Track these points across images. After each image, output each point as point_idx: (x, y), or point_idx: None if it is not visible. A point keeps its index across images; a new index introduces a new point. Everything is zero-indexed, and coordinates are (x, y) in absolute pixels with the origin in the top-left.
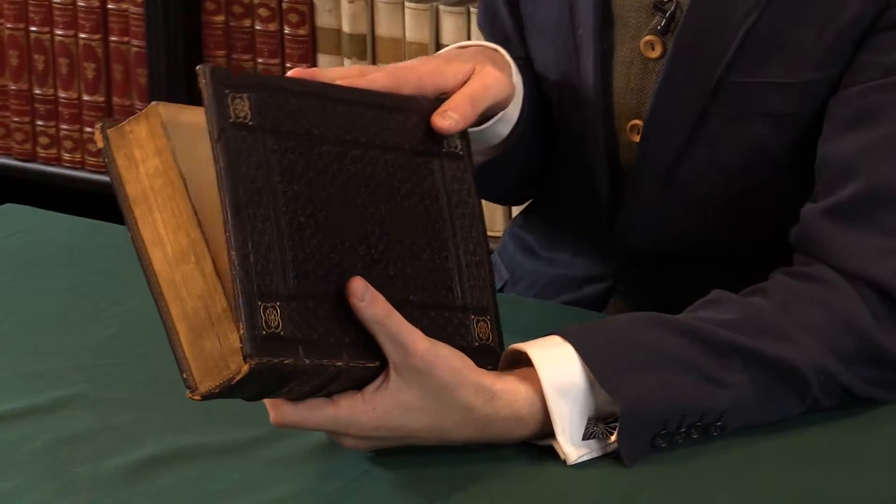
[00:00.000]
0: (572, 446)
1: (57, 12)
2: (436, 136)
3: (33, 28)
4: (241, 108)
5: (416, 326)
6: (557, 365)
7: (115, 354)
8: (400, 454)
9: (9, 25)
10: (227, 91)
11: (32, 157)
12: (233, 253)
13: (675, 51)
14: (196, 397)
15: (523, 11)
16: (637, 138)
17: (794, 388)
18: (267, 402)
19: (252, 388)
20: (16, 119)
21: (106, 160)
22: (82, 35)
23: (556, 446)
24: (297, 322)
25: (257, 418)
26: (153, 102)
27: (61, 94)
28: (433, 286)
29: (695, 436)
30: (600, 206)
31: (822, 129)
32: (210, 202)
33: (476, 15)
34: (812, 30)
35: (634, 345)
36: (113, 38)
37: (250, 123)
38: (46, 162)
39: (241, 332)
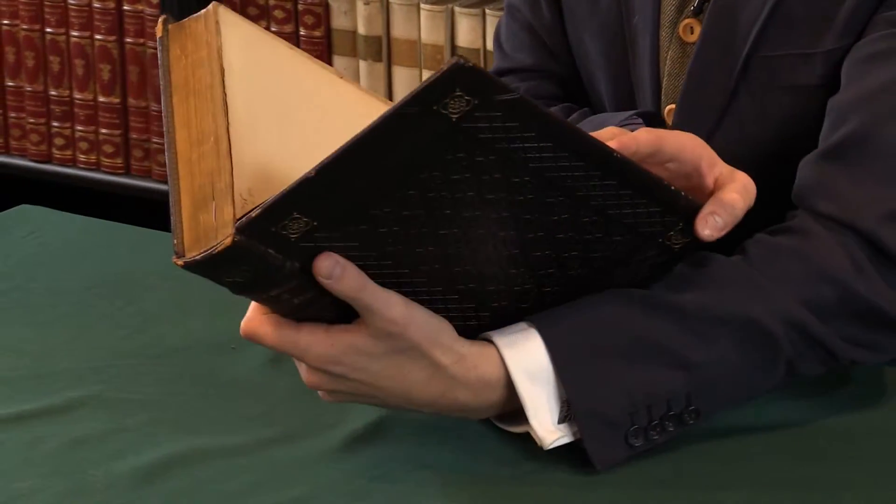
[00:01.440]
0: (545, 430)
1: (73, 14)
2: (661, 227)
3: (49, 29)
4: (458, 106)
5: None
6: (523, 349)
7: (129, 355)
8: (413, 457)
9: (24, 27)
10: (465, 94)
11: (48, 159)
12: (313, 170)
13: (705, 31)
14: (179, 263)
15: (564, 4)
16: (671, 122)
17: (763, 349)
18: (250, 308)
19: (234, 270)
20: (31, 120)
21: (160, 49)
22: (98, 36)
23: (530, 431)
24: (313, 240)
25: (271, 420)
26: (214, 2)
27: (77, 95)
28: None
29: (670, 428)
30: None
31: None
32: (241, 100)
33: (505, 18)
34: (833, 0)
35: (598, 329)
36: (128, 40)
37: (453, 119)
38: (62, 163)
39: (254, 212)
